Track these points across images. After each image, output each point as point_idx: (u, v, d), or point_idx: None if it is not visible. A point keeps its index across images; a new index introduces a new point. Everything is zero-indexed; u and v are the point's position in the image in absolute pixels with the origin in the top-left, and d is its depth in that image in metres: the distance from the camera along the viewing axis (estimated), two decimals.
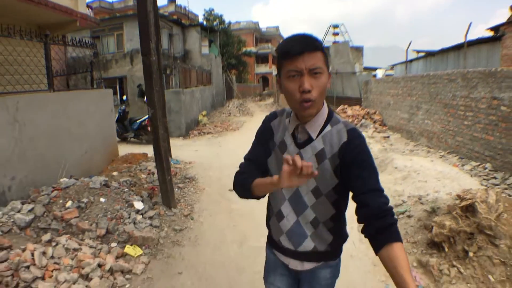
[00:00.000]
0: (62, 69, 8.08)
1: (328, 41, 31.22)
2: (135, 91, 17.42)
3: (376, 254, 1.34)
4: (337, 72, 17.42)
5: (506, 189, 5.69)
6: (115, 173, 6.14)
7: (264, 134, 1.69)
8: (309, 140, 1.55)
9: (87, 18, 7.88)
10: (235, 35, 39.21)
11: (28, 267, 3.32)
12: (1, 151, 4.79)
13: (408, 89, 10.69)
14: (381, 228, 1.34)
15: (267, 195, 1.72)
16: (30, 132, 5.31)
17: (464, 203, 3.80)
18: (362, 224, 1.44)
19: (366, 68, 25.74)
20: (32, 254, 3.46)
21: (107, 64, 19.61)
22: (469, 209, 3.77)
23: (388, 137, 10.89)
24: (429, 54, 14.58)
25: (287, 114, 1.67)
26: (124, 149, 8.58)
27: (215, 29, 29.98)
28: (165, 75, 18.78)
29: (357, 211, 1.44)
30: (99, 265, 3.55)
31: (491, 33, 10.77)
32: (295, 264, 1.71)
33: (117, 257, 3.79)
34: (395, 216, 1.42)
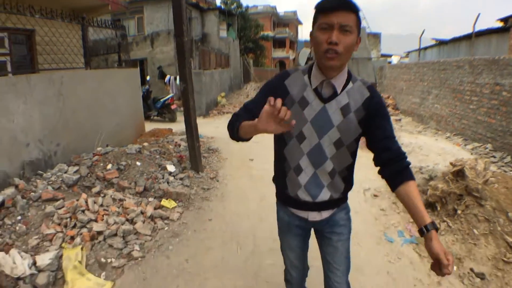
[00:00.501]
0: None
1: None
2: (156, 73, 18.04)
3: (393, 191, 1.66)
4: (353, 57, 17.87)
5: (502, 166, 6.24)
6: (145, 144, 6.82)
7: (275, 91, 1.68)
8: (334, 95, 1.67)
9: (118, 2, 8.51)
10: (253, 19, 39.02)
11: (83, 211, 4.04)
12: (49, 120, 5.49)
13: (420, 75, 11.18)
14: (400, 169, 1.64)
15: (282, 152, 1.84)
16: (72, 104, 5.98)
17: (455, 168, 4.41)
18: (379, 167, 1.73)
19: (383, 55, 25.98)
20: (86, 202, 4.18)
21: (128, 46, 20.20)
22: (459, 174, 4.37)
23: (400, 120, 11.42)
24: (442, 43, 14.94)
25: (304, 72, 1.74)
26: (149, 127, 9.23)
27: (233, 13, 30.28)
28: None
29: (378, 155, 1.71)
30: (141, 212, 4.27)
31: (501, 24, 11.09)
32: (313, 216, 1.88)
33: (155, 208, 4.51)
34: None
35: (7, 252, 3.33)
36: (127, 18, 20.69)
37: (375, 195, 5.27)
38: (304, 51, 21.37)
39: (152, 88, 14.55)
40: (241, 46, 32.02)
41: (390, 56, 25.76)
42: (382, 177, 1.73)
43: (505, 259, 3.62)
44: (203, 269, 3.48)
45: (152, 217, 4.29)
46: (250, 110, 1.73)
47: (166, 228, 4.17)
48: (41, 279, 3.12)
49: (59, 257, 3.41)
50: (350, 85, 1.69)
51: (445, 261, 1.41)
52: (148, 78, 16.14)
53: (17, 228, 3.77)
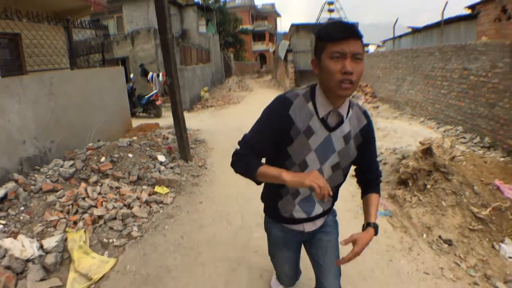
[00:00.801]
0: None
1: (323, 17, 31.87)
2: (138, 70, 18.20)
3: (362, 197, 2.01)
4: None
5: (472, 146, 6.72)
6: (134, 138, 7.13)
7: (279, 123, 1.67)
8: (340, 123, 1.70)
9: (100, 3, 8.75)
10: (231, 13, 39.35)
11: (83, 198, 4.37)
12: (42, 118, 5.75)
13: (395, 63, 11.67)
14: (374, 185, 1.97)
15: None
16: (62, 103, 6.25)
17: (423, 147, 4.84)
18: (359, 180, 2.04)
19: (365, 45, 26.48)
20: (86, 190, 4.51)
21: (111, 45, 20.29)
22: (428, 152, 4.80)
23: (378, 107, 11.90)
24: (416, 31, 15.48)
25: (306, 97, 1.70)
26: (135, 122, 9.50)
27: (211, 8, 30.45)
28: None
29: (363, 174, 1.99)
30: (137, 198, 4.62)
31: (469, 11, 11.62)
32: (309, 226, 1.98)
33: (149, 194, 4.88)
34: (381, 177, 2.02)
35: (15, 238, 3.64)
36: (106, 17, 20.73)
37: (353, 175, 5.72)
38: (283, 43, 21.70)
39: (135, 86, 14.78)
40: (221, 41, 32.20)
41: (367, 45, 26.21)
42: (360, 185, 2.04)
43: (470, 227, 4.06)
44: (197, 244, 3.87)
45: (147, 202, 4.65)
46: (255, 148, 1.72)
47: (161, 211, 4.56)
48: (49, 259, 3.45)
49: (64, 240, 3.73)
50: (351, 111, 1.73)
51: (355, 249, 1.75)
52: (131, 76, 16.32)
53: (21, 217, 4.08)
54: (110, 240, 3.89)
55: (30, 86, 5.50)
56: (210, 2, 36.22)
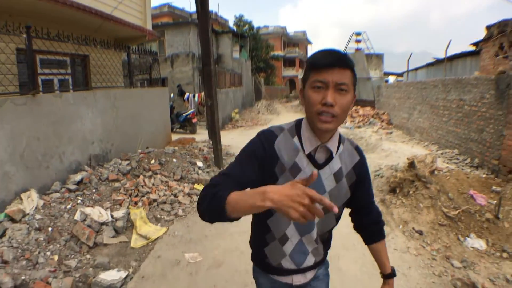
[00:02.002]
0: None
1: (350, 47, 33.12)
2: (175, 90, 19.74)
3: (367, 245, 1.79)
4: None
5: (463, 166, 7.72)
6: (176, 147, 8.44)
7: (264, 159, 1.44)
8: (329, 159, 1.51)
9: (153, 33, 10.24)
10: (264, 40, 40.38)
11: (142, 186, 5.65)
12: (106, 125, 7.12)
13: (408, 93, 12.75)
14: (376, 230, 1.77)
15: (265, 222, 1.59)
16: (122, 114, 7.62)
17: (408, 161, 5.94)
18: (357, 226, 1.82)
19: (386, 73, 27.44)
20: (144, 180, 5.80)
21: (159, 68, 21.66)
22: (412, 165, 5.90)
23: (391, 133, 12.93)
24: (429, 64, 16.51)
25: (291, 132, 1.52)
26: (174, 137, 10.86)
27: (245, 35, 32.05)
28: (200, 76, 21.20)
29: (360, 218, 1.78)
30: (181, 190, 5.88)
31: (473, 48, 12.62)
32: (298, 279, 1.71)
33: (190, 189, 6.13)
34: (382, 216, 1.82)
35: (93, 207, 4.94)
36: (149, 41, 22.51)
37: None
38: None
39: (174, 104, 16.24)
40: (252, 66, 33.58)
41: (394, 74, 27.14)
42: (359, 232, 1.83)
43: (439, 222, 5.12)
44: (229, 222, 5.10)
45: (189, 194, 5.93)
46: (233, 177, 1.34)
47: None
48: (119, 223, 4.72)
49: (128, 214, 5.00)
50: (341, 147, 1.56)
51: None
52: (172, 95, 17.79)
53: (93, 197, 5.37)
54: (162, 217, 5.15)
55: (100, 99, 6.89)
56: (244, 28, 37.97)
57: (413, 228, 5.08)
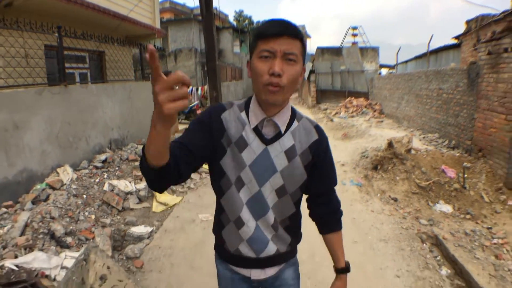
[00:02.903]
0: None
1: (347, 41, 33.76)
2: None
3: (321, 234, 1.64)
4: (348, 70, 20.26)
5: (441, 147, 8.53)
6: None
7: (211, 127, 1.35)
8: (278, 135, 1.39)
9: (161, 31, 11.03)
10: None
11: None
12: (123, 114, 7.92)
13: (396, 84, 13.52)
14: (333, 221, 1.61)
15: (219, 202, 1.50)
16: (135, 105, 8.42)
17: (387, 141, 6.77)
18: (313, 213, 1.63)
19: (382, 66, 28.10)
20: None
21: (166, 62, 22.27)
22: (390, 145, 6.72)
23: (382, 121, 13.71)
24: (418, 57, 17.29)
25: (240, 107, 1.43)
26: (180, 127, 11.71)
27: (245, 30, 32.89)
28: (203, 71, 21.97)
29: (316, 207, 1.60)
30: None
31: (455, 41, 13.39)
32: (257, 274, 1.55)
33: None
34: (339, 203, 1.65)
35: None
36: (154, 37, 23.27)
37: (342, 164, 7.72)
38: (307, 64, 23.64)
39: None
40: None
41: (388, 66, 27.76)
42: (314, 220, 1.66)
43: (412, 191, 5.95)
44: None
45: (198, 171, 6.73)
46: (180, 143, 1.25)
47: (207, 177, 6.63)
48: (142, 193, 5.55)
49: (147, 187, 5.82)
50: (295, 124, 1.45)
51: None
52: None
53: (116, 173, 6.19)
54: (177, 189, 5.99)
55: (118, 91, 7.69)
56: (244, 24, 38.70)
57: (389, 196, 5.91)
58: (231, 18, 40.82)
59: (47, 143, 5.50)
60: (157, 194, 5.61)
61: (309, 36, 65.77)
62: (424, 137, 9.56)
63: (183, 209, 5.31)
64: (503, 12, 8.66)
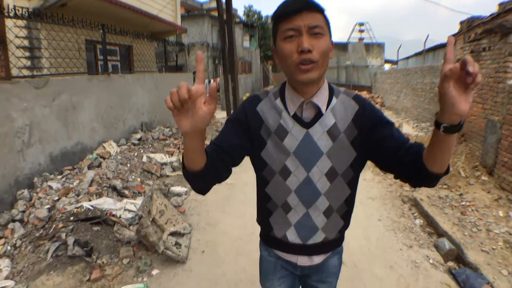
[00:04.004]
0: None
1: (353, 37, 34.64)
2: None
3: (424, 158, 1.09)
4: (353, 65, 21.24)
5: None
6: None
7: (248, 123, 1.32)
8: (318, 116, 1.29)
9: (182, 28, 12.08)
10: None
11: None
12: (151, 101, 8.98)
13: (396, 79, 14.54)
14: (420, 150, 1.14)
15: (264, 191, 1.45)
16: (161, 93, 9.47)
17: None
18: (401, 169, 1.20)
19: (387, 61, 28.97)
20: None
21: (169, 54, 23.49)
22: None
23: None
24: (418, 53, 18.23)
25: (275, 95, 1.37)
26: None
27: (254, 25, 33.74)
28: (214, 64, 23.00)
29: (400, 165, 1.18)
30: None
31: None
32: (303, 261, 1.50)
33: None
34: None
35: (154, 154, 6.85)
36: (175, 33, 24.24)
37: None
38: None
39: None
40: (261, 54, 35.15)
41: (391, 62, 28.54)
42: (405, 180, 1.23)
43: None
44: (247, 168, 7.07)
45: None
46: (217, 144, 1.25)
47: None
48: (175, 164, 6.65)
49: (179, 160, 6.90)
50: (334, 100, 1.31)
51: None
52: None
53: (150, 150, 7.27)
54: None
55: (147, 81, 8.77)
56: (253, 19, 39.48)
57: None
58: (240, 13, 41.52)
59: (95, 121, 6.59)
60: None
61: None
62: (417, 126, 10.59)
63: None
64: (491, 15, 9.67)
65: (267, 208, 1.48)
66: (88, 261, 3.52)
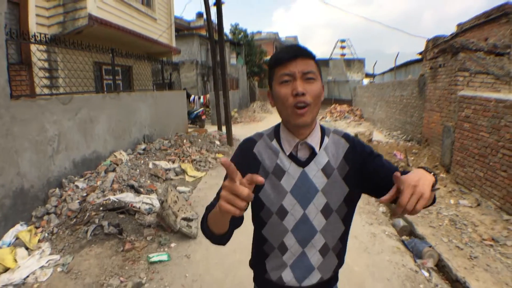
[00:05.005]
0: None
1: (335, 53, 36.13)
2: None
3: None
4: (334, 80, 22.54)
5: (401, 140, 10.70)
6: (195, 134, 11.37)
7: (245, 164, 1.36)
8: (312, 155, 1.37)
9: (177, 50, 13.18)
10: (257, 45, 42.52)
11: (183, 151, 8.57)
12: (151, 116, 9.95)
13: (373, 92, 15.82)
14: None
15: (260, 233, 1.49)
16: (159, 109, 10.46)
17: (354, 134, 8.92)
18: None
19: (368, 75, 30.33)
20: (186, 148, 8.73)
21: (158, 72, 24.42)
22: (356, 136, 8.90)
23: (361, 123, 15.95)
24: (392, 69, 19.63)
25: (270, 136, 1.45)
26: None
27: (240, 43, 34.90)
28: (203, 81, 24.07)
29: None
30: (209, 155, 8.80)
31: (419, 56, 15.71)
32: None
33: (214, 156, 9.04)
34: None
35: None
36: (171, 54, 25.22)
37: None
38: None
39: None
40: (247, 71, 36.04)
41: (370, 76, 29.84)
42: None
43: None
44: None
45: (214, 158, 8.84)
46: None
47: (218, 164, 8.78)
48: (177, 169, 7.64)
49: (180, 166, 7.90)
50: (326, 140, 1.41)
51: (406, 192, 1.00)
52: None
53: (154, 158, 8.25)
54: (200, 168, 8.08)
55: (148, 98, 9.78)
56: (239, 36, 40.58)
57: None
58: (226, 31, 42.35)
59: (107, 133, 7.55)
60: (188, 170, 7.69)
61: None
62: (389, 134, 11.78)
63: (209, 178, 7.42)
64: (451, 34, 10.97)
65: (263, 251, 1.50)
66: (120, 238, 4.49)
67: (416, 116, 10.08)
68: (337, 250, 1.48)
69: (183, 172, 7.73)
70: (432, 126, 8.66)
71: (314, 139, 1.37)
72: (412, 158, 8.54)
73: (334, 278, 1.57)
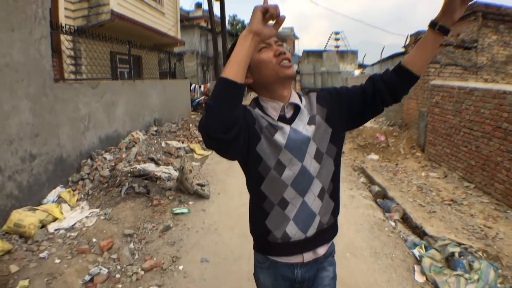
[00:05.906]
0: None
1: (330, 45, 36.89)
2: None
3: (410, 75, 1.42)
4: (328, 71, 23.51)
5: (384, 125, 11.73)
6: (199, 119, 12.36)
7: (244, 116, 1.37)
8: (296, 112, 1.47)
9: (182, 41, 14.10)
10: None
11: (191, 133, 9.57)
12: (161, 102, 10.89)
13: (362, 83, 16.82)
14: (389, 74, 1.47)
15: (259, 189, 1.48)
16: (168, 96, 11.40)
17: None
18: (380, 92, 1.46)
19: (361, 66, 31.15)
20: (194, 130, 9.72)
21: (161, 62, 25.28)
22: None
23: None
24: (382, 60, 20.62)
25: (253, 107, 1.50)
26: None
27: (238, 34, 35.55)
28: (203, 71, 24.94)
29: (373, 97, 1.46)
30: None
31: (403, 49, 16.70)
32: (309, 256, 1.54)
33: None
34: None
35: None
36: (176, 45, 26.09)
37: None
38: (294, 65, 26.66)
39: None
40: None
41: (363, 66, 30.61)
42: (389, 94, 1.48)
43: (354, 148, 9.14)
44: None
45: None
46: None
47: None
48: (187, 148, 8.63)
49: (189, 146, 8.89)
50: (303, 99, 1.53)
51: None
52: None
53: (165, 138, 9.23)
54: (206, 148, 9.09)
55: (158, 85, 10.72)
56: (237, 27, 41.38)
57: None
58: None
59: (125, 115, 8.51)
60: (196, 149, 8.69)
61: (297, 38, 68.13)
62: (374, 120, 12.82)
63: (215, 156, 8.39)
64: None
65: (262, 210, 1.49)
66: (148, 196, 5.51)
67: (399, 104, 11.12)
68: (330, 191, 1.52)
69: (192, 151, 8.73)
70: (410, 112, 9.71)
71: (295, 99, 1.48)
72: (393, 140, 9.58)
73: (334, 225, 1.61)
